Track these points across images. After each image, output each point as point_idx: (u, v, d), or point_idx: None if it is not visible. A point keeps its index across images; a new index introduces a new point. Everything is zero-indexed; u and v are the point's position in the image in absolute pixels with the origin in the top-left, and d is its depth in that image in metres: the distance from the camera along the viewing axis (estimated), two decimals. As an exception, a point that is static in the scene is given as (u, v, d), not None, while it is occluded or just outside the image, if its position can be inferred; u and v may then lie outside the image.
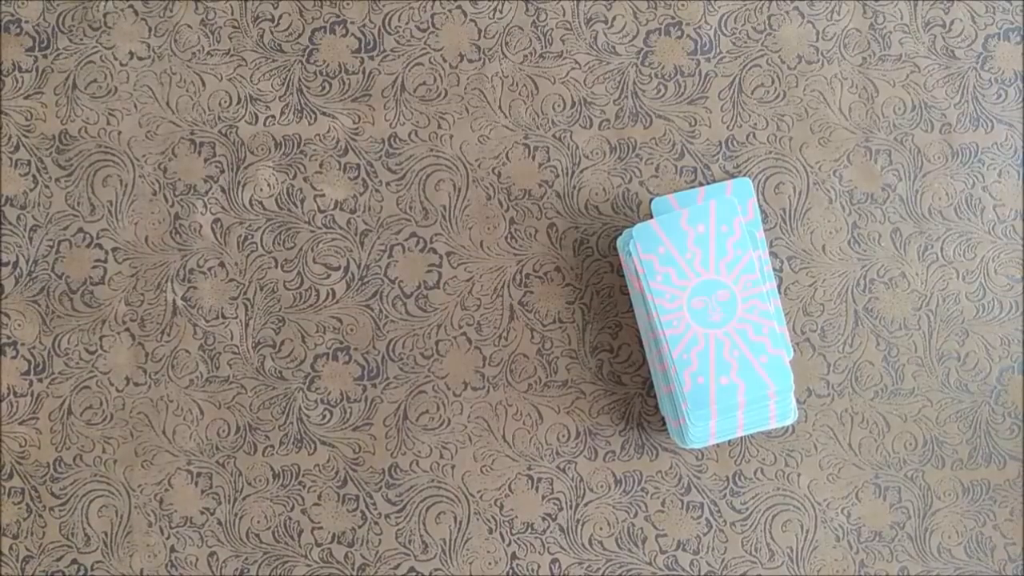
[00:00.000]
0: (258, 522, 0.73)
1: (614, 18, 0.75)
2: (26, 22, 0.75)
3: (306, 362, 0.74)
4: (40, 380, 0.73)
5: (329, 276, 0.74)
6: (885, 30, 0.75)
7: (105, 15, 0.75)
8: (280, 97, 0.75)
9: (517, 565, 0.73)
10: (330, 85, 0.75)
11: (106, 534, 0.73)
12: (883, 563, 0.73)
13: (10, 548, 0.73)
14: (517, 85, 0.75)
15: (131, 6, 0.75)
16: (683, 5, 0.75)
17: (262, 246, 0.74)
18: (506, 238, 0.74)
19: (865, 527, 0.73)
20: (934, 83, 0.75)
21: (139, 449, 0.73)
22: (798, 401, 0.74)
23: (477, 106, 0.75)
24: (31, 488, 0.73)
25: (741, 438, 0.73)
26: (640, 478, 0.73)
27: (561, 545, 0.73)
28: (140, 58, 0.75)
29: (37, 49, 0.75)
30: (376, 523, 0.73)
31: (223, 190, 0.74)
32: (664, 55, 0.75)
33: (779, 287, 0.74)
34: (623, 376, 0.74)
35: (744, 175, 0.74)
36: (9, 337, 0.74)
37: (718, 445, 0.73)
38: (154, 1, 0.75)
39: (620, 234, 0.74)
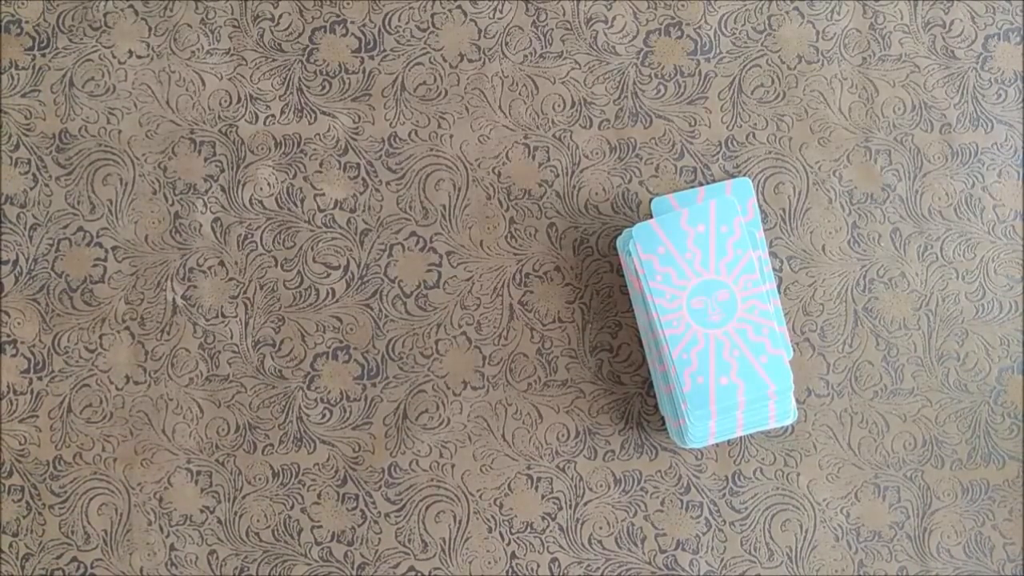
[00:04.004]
0: (258, 521, 0.73)
1: (614, 18, 0.75)
2: (26, 22, 0.75)
3: (306, 361, 0.74)
4: (40, 378, 0.73)
5: (329, 275, 0.74)
6: (885, 30, 0.75)
7: (105, 15, 0.75)
8: (280, 96, 0.75)
9: (516, 564, 0.73)
10: (330, 84, 0.75)
11: (106, 532, 0.73)
12: (882, 563, 0.73)
13: (10, 546, 0.73)
14: (517, 85, 0.75)
15: (131, 6, 0.75)
16: (683, 5, 0.75)
17: (262, 245, 0.74)
18: (506, 238, 0.74)
19: (864, 527, 0.73)
20: (934, 83, 0.75)
21: (139, 447, 0.73)
22: (798, 401, 0.74)
23: (477, 106, 0.75)
24: (31, 486, 0.73)
25: (740, 438, 0.73)
26: (639, 477, 0.73)
27: (560, 544, 0.73)
28: (139, 56, 0.75)
29: (36, 49, 0.75)
30: (376, 522, 0.73)
31: (223, 189, 0.74)
32: (664, 55, 0.75)
33: (779, 287, 0.74)
34: (623, 376, 0.74)
35: (744, 175, 0.74)
36: (9, 335, 0.74)
37: (717, 445, 0.73)
38: (154, 1, 0.75)
39: (620, 234, 0.74)
